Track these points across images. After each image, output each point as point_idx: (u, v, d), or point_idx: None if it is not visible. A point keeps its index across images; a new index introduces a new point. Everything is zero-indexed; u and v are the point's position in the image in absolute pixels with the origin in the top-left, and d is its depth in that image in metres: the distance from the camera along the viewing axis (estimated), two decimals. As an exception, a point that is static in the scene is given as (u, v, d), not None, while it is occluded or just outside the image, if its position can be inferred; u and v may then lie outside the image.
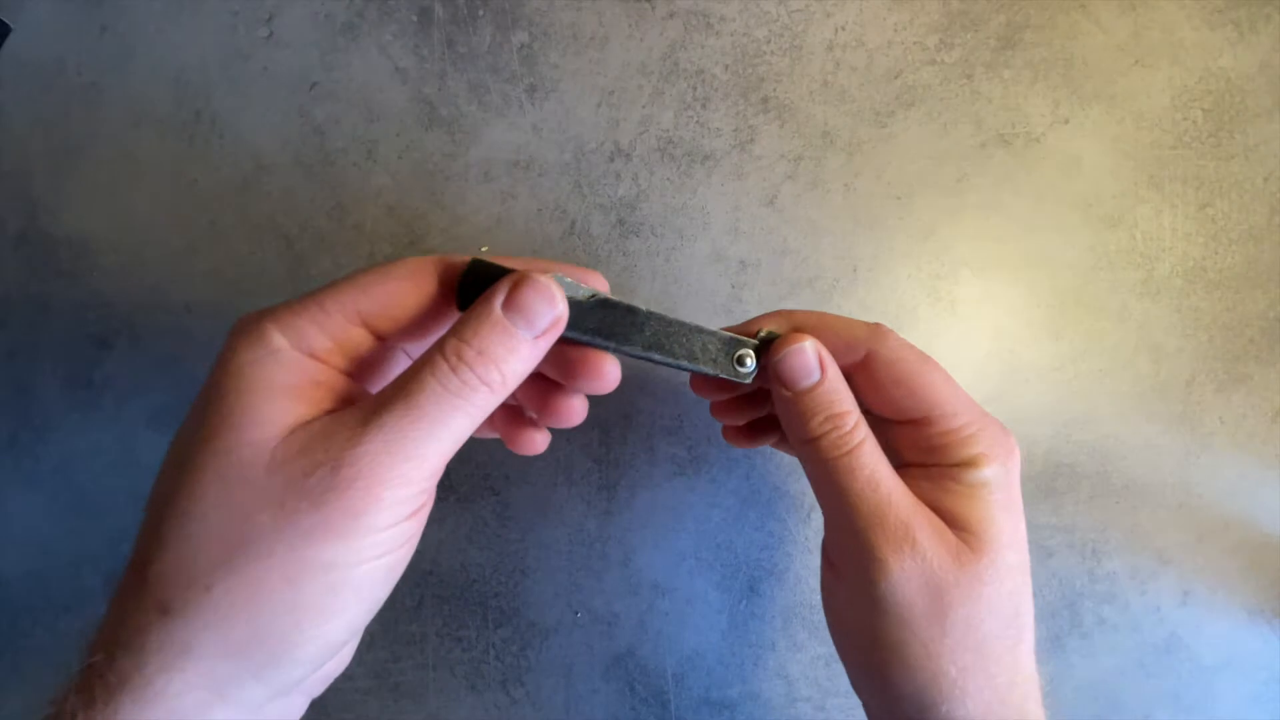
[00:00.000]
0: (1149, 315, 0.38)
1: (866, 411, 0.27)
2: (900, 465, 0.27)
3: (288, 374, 0.21)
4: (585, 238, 0.38)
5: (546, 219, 0.38)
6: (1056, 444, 0.38)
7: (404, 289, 0.23)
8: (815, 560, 0.38)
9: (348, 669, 0.25)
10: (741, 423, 0.32)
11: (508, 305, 0.22)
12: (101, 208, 0.39)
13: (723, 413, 0.32)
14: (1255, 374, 0.38)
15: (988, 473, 0.25)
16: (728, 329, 0.28)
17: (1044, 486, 0.38)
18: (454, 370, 0.21)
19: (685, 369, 0.26)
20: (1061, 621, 0.38)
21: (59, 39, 0.39)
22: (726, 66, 0.39)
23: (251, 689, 0.20)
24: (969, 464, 0.25)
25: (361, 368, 0.24)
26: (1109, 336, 0.38)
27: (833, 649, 0.38)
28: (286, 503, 0.19)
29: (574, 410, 0.28)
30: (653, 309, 0.25)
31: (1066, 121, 0.39)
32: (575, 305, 0.24)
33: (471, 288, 0.23)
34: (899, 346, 0.26)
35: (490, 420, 0.29)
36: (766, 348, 0.27)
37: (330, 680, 0.24)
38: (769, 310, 0.38)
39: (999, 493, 0.25)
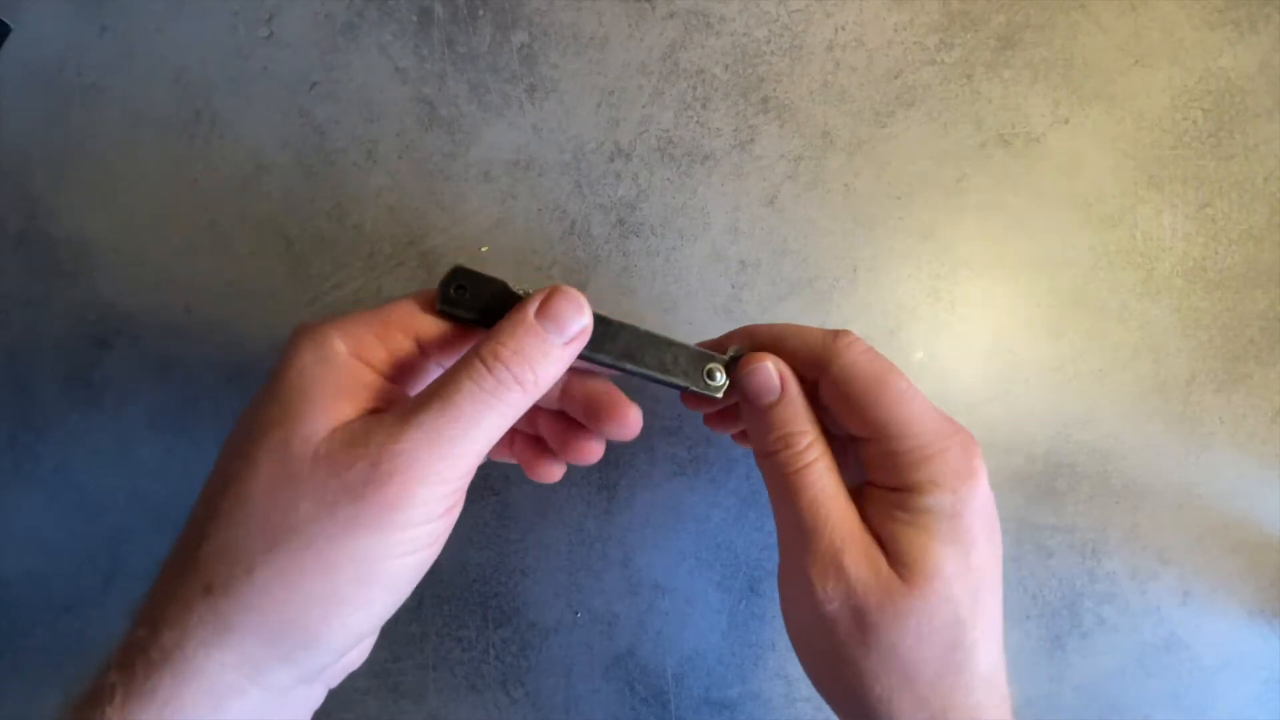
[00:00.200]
0: (1149, 315, 0.38)
1: (829, 431, 0.27)
2: (865, 483, 0.27)
3: (341, 377, 0.23)
4: (585, 238, 0.38)
5: (546, 219, 0.38)
6: (1056, 444, 0.38)
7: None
8: (815, 560, 0.38)
9: (348, 669, 0.26)
10: (734, 432, 0.34)
11: (541, 313, 0.24)
12: (101, 208, 0.39)
13: (716, 424, 0.34)
14: (1255, 374, 0.38)
15: (931, 501, 0.24)
16: (702, 344, 0.29)
17: (1044, 486, 0.38)
18: (490, 370, 0.22)
19: (658, 380, 0.27)
20: (1061, 621, 0.38)
21: (59, 39, 0.39)
22: (726, 66, 0.39)
23: (280, 672, 0.21)
24: (913, 489, 0.24)
25: (407, 376, 0.26)
26: (1109, 336, 0.38)
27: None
28: (327, 494, 0.20)
29: (593, 451, 0.29)
30: (628, 321, 0.26)
31: (1066, 121, 0.39)
32: None
33: (451, 289, 0.25)
34: (853, 363, 0.26)
35: (511, 446, 0.31)
36: (737, 364, 0.28)
37: (349, 671, 0.25)
38: (767, 311, 0.38)
39: (943, 523, 0.24)
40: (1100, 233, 0.38)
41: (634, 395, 0.38)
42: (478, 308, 0.25)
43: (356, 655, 0.25)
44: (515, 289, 0.25)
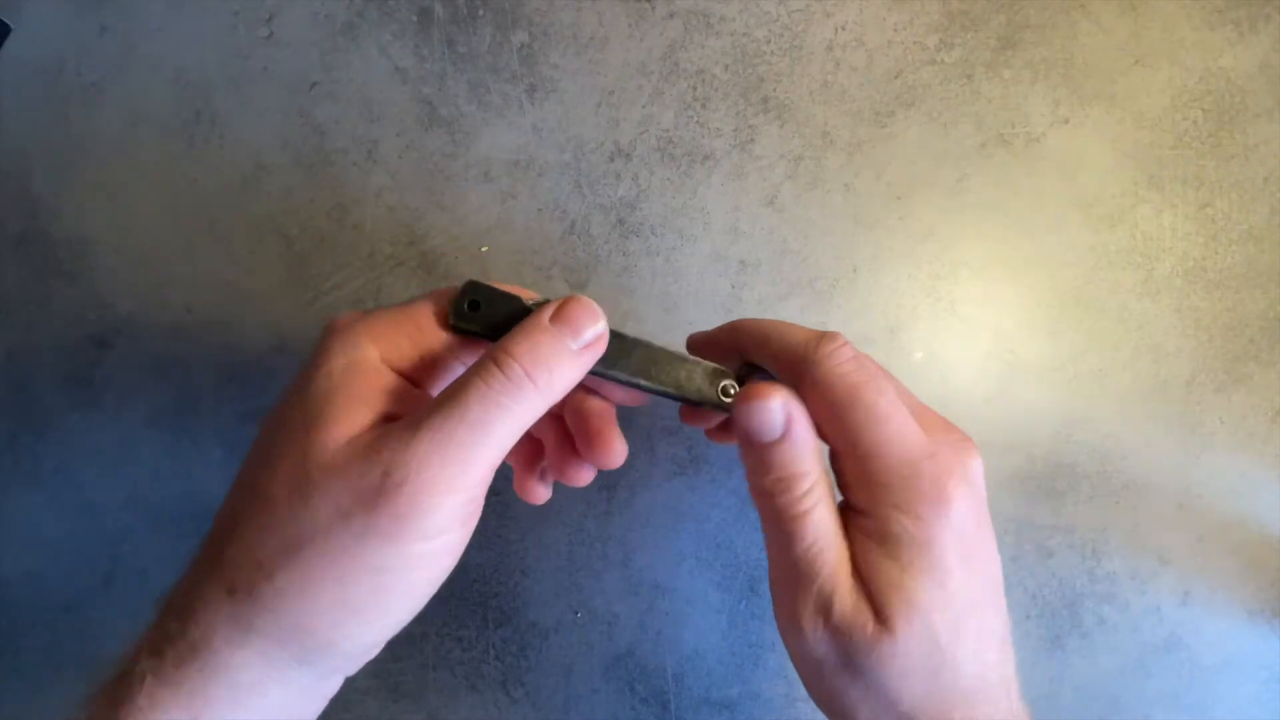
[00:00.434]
0: (1149, 315, 0.38)
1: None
2: (844, 503, 0.26)
3: (367, 382, 0.23)
4: (585, 238, 0.38)
5: (546, 219, 0.38)
6: (1056, 444, 0.38)
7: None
8: (815, 560, 0.38)
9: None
10: (731, 442, 0.33)
11: (556, 318, 0.24)
12: (101, 208, 0.39)
13: (717, 436, 0.33)
14: (1255, 374, 0.38)
15: (899, 529, 0.23)
16: (695, 337, 0.28)
17: (1044, 486, 0.38)
18: (502, 368, 0.22)
19: (670, 397, 0.27)
20: (1061, 621, 0.38)
21: (59, 39, 0.39)
22: (726, 66, 0.39)
23: (297, 671, 0.22)
24: (882, 516, 0.24)
25: (436, 379, 0.25)
26: (1109, 336, 0.38)
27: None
28: (342, 504, 0.20)
29: (583, 476, 0.29)
30: (641, 336, 0.26)
31: (1066, 121, 0.39)
32: None
33: (465, 305, 0.25)
34: (830, 373, 0.24)
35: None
36: (746, 380, 0.27)
37: (366, 660, 0.25)
38: (767, 311, 0.38)
39: (913, 552, 0.23)
40: (1100, 233, 0.38)
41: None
42: (492, 324, 0.25)
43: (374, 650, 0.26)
44: (529, 304, 0.25)
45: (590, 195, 0.38)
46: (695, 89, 0.39)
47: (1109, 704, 0.38)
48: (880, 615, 0.23)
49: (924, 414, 0.26)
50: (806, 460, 0.24)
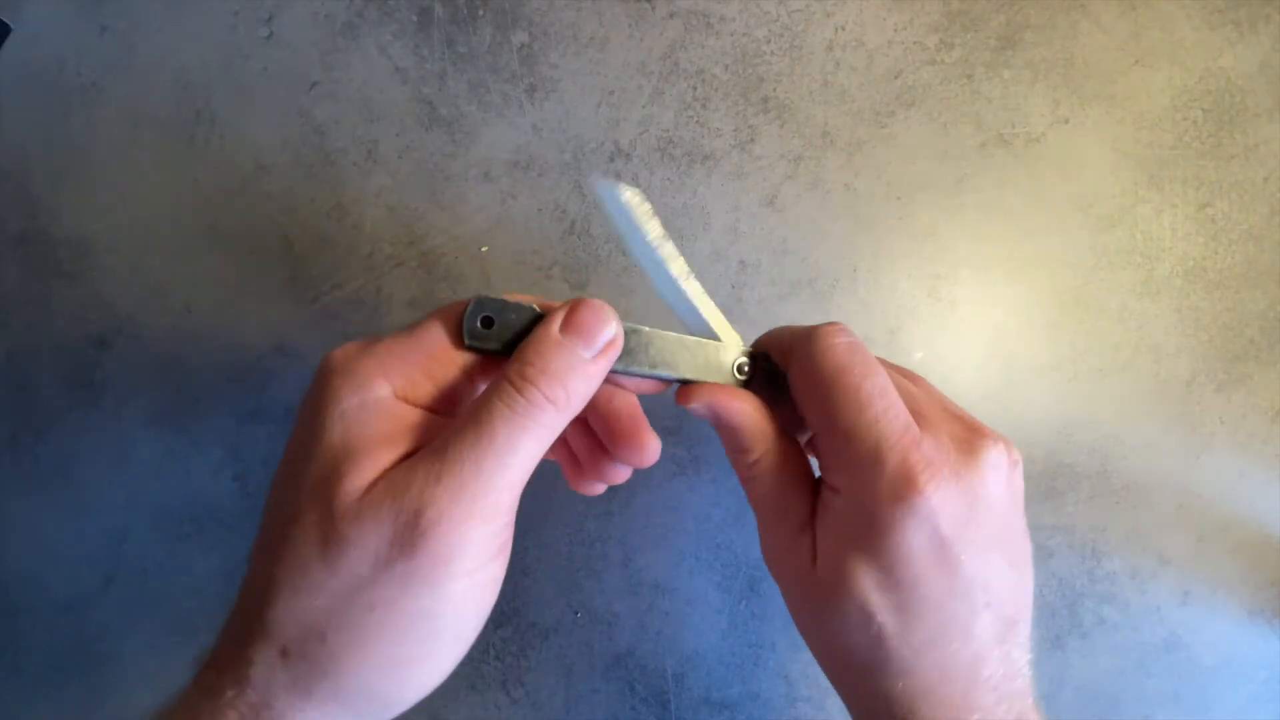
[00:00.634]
0: (1149, 315, 0.38)
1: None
2: (820, 482, 0.26)
3: (384, 423, 0.22)
4: (585, 238, 0.38)
5: (546, 219, 0.38)
6: (1056, 444, 0.38)
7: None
8: (815, 560, 0.38)
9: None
10: None
11: (565, 327, 0.23)
12: (101, 208, 0.39)
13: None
14: (1255, 374, 0.38)
15: (844, 504, 0.24)
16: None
17: (1044, 486, 0.38)
18: (520, 391, 0.21)
19: (689, 382, 0.27)
20: (1061, 621, 0.38)
21: (59, 39, 0.39)
22: (726, 66, 0.39)
23: None
24: (835, 490, 0.24)
25: (455, 404, 0.25)
26: (1109, 336, 0.38)
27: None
28: (380, 552, 0.20)
29: (618, 475, 0.29)
30: (655, 328, 0.26)
31: (1066, 121, 0.38)
32: None
33: (477, 322, 0.24)
34: (820, 349, 0.25)
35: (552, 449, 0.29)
36: (755, 359, 0.27)
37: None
38: (767, 311, 0.38)
39: (854, 528, 0.23)
40: (1100, 233, 0.38)
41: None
42: (505, 339, 0.24)
43: None
44: (541, 310, 0.24)
45: (590, 195, 0.38)
46: (695, 89, 0.39)
47: (1109, 704, 0.38)
48: (820, 575, 0.24)
49: (943, 414, 0.25)
50: (750, 436, 0.26)
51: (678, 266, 0.27)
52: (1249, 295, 0.38)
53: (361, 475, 0.21)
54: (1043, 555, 0.38)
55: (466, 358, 0.24)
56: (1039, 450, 0.38)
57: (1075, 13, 0.39)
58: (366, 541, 0.20)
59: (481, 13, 0.39)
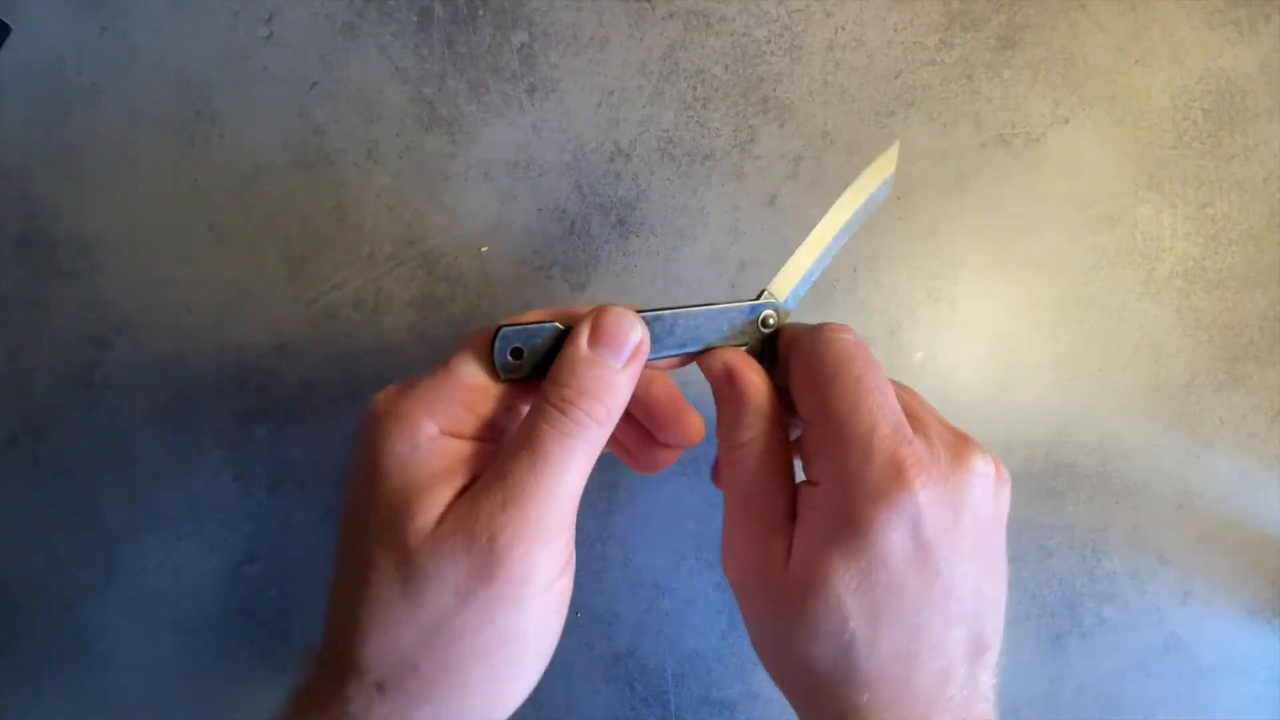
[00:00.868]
0: (1149, 315, 0.38)
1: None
2: (803, 481, 0.26)
3: (438, 460, 0.23)
4: (585, 238, 0.38)
5: (546, 219, 0.38)
6: (1056, 444, 0.38)
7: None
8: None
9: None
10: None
11: (593, 341, 0.23)
12: (101, 208, 0.39)
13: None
14: (1255, 374, 0.38)
15: (825, 496, 0.23)
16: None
17: (1044, 486, 0.38)
18: (564, 413, 0.22)
19: (715, 348, 0.27)
20: (1061, 621, 0.38)
21: (59, 39, 0.39)
22: (726, 66, 0.39)
23: None
24: (817, 483, 0.24)
25: (501, 430, 0.26)
26: (1109, 336, 0.38)
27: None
28: (460, 583, 0.21)
29: (669, 456, 0.29)
30: (673, 305, 0.26)
31: (1066, 121, 0.39)
32: None
33: (508, 355, 0.24)
34: (825, 339, 0.25)
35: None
36: (768, 307, 0.28)
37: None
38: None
39: (833, 523, 0.23)
40: (1100, 233, 0.38)
41: (634, 395, 0.38)
42: (536, 362, 0.24)
43: None
44: (563, 327, 0.24)
45: (590, 195, 0.38)
46: (695, 89, 0.39)
47: (1109, 704, 0.38)
48: (794, 580, 0.23)
49: (936, 421, 0.25)
50: (752, 413, 0.26)
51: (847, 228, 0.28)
52: (1249, 295, 0.38)
53: (428, 512, 0.22)
54: (1043, 555, 0.38)
55: (502, 387, 0.25)
56: (1039, 450, 0.38)
57: (1075, 13, 0.39)
58: (445, 574, 0.21)
59: (481, 13, 0.39)
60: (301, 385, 0.39)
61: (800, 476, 0.26)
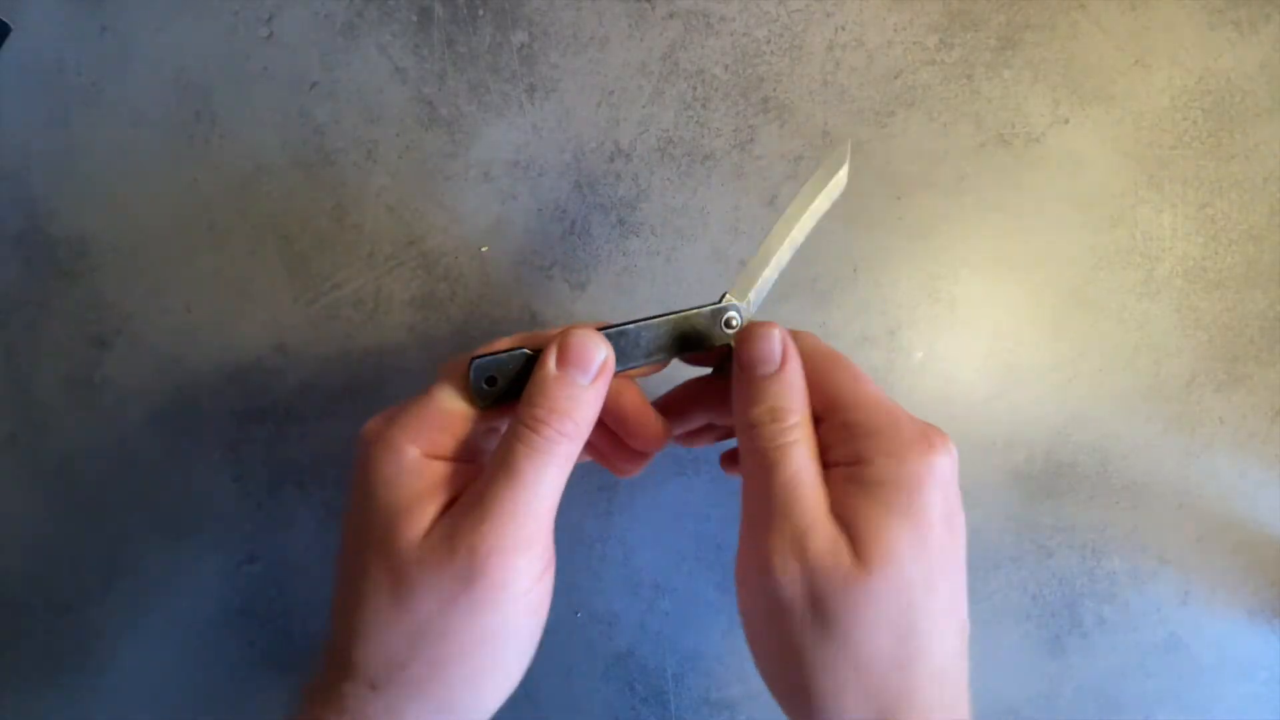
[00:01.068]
0: (1149, 315, 0.38)
1: None
2: (825, 466, 0.26)
3: (422, 480, 0.25)
4: (585, 238, 0.38)
5: (546, 219, 0.38)
6: (1056, 444, 0.38)
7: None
8: (815, 560, 0.38)
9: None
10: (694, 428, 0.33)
11: (560, 362, 0.25)
12: (101, 208, 0.39)
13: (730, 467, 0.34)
14: (1255, 374, 0.38)
15: (886, 472, 0.24)
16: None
17: (1044, 486, 0.38)
18: (535, 431, 0.24)
19: (684, 358, 0.28)
20: (1061, 621, 0.38)
21: (59, 39, 0.39)
22: (726, 66, 0.39)
23: None
24: (868, 460, 0.24)
25: (479, 450, 0.28)
26: (1109, 336, 0.38)
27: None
28: (444, 589, 0.23)
29: (638, 466, 0.31)
30: (637, 317, 0.27)
31: (1066, 121, 0.39)
32: None
33: (483, 384, 0.26)
34: (813, 341, 0.27)
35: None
36: (731, 309, 0.28)
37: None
38: (767, 311, 0.38)
39: (899, 496, 0.23)
40: (1100, 233, 0.38)
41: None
42: (508, 388, 0.26)
43: None
44: (531, 352, 0.26)
45: (590, 195, 0.38)
46: (695, 89, 0.39)
47: (1109, 704, 0.38)
48: (859, 554, 0.23)
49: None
50: (797, 396, 0.26)
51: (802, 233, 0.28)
52: (1249, 295, 0.38)
53: (414, 527, 0.24)
54: (1043, 555, 0.38)
55: (479, 412, 0.27)
56: (1039, 450, 0.38)
57: (1075, 13, 0.39)
58: (431, 582, 0.23)
59: (481, 13, 0.39)
60: (301, 385, 0.39)
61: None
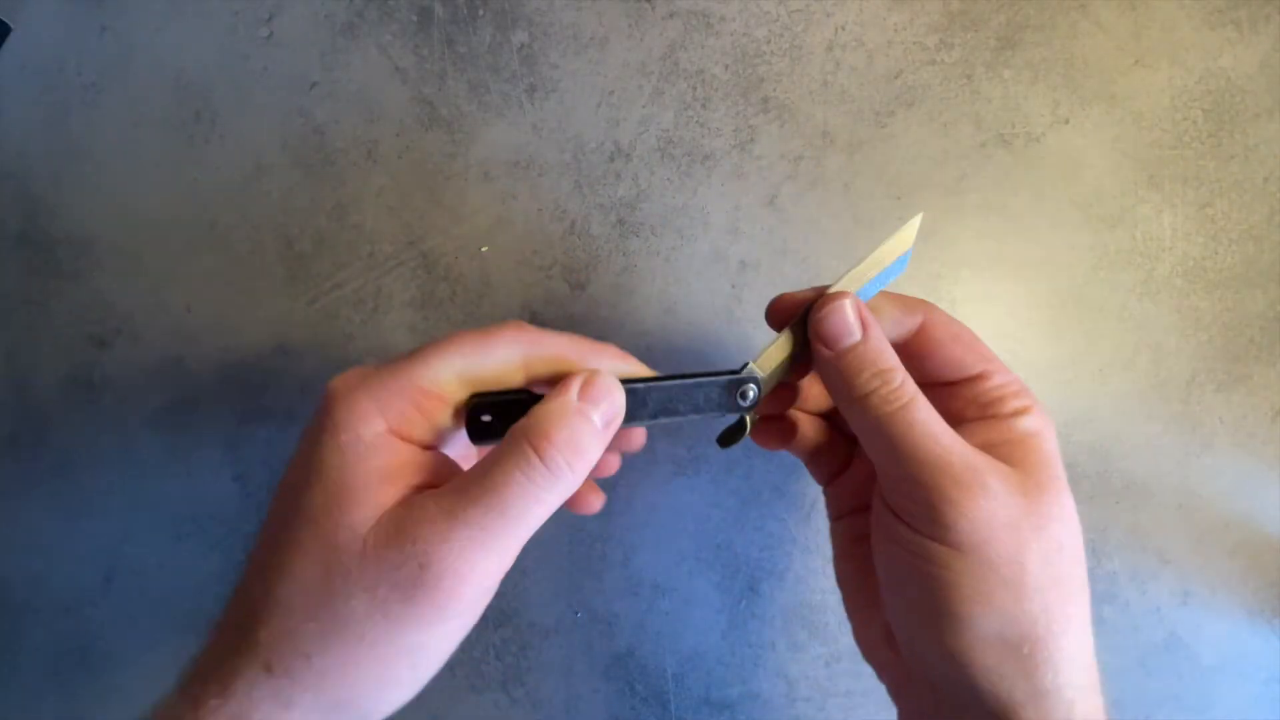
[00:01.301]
0: (1149, 315, 0.38)
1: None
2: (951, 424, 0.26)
3: (382, 459, 0.22)
4: (585, 238, 0.38)
5: (546, 219, 0.38)
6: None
7: (509, 357, 0.25)
8: (815, 560, 0.38)
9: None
10: (788, 444, 0.32)
11: (583, 395, 0.23)
12: (101, 208, 0.39)
13: (772, 442, 0.32)
14: (1255, 374, 0.38)
15: (1038, 421, 0.25)
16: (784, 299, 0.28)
17: (1044, 486, 0.38)
18: (544, 460, 0.22)
19: (693, 419, 0.27)
20: (1061, 621, 0.38)
21: (59, 39, 0.39)
22: (726, 66, 0.39)
23: None
24: (1021, 413, 0.26)
25: (449, 441, 0.25)
26: (1109, 336, 0.38)
27: (832, 649, 0.38)
28: (378, 591, 0.21)
29: (611, 465, 0.30)
30: (646, 376, 0.26)
31: (1066, 121, 0.39)
32: None
33: (481, 419, 0.24)
34: (938, 312, 0.28)
35: None
36: (749, 381, 0.27)
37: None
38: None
39: (1049, 441, 0.25)
40: (1100, 233, 0.38)
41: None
42: (505, 426, 0.24)
43: None
44: (537, 394, 0.25)
45: (590, 195, 0.38)
46: (695, 89, 0.39)
47: (1109, 704, 0.38)
48: (1034, 485, 0.24)
49: None
50: (892, 356, 0.25)
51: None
52: (1249, 295, 0.38)
53: (362, 511, 0.21)
54: (1043, 555, 0.38)
55: (458, 396, 0.24)
56: (1039, 450, 0.38)
57: (1075, 13, 0.39)
58: (367, 580, 0.21)
59: (481, 13, 0.39)
60: (301, 385, 0.39)
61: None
